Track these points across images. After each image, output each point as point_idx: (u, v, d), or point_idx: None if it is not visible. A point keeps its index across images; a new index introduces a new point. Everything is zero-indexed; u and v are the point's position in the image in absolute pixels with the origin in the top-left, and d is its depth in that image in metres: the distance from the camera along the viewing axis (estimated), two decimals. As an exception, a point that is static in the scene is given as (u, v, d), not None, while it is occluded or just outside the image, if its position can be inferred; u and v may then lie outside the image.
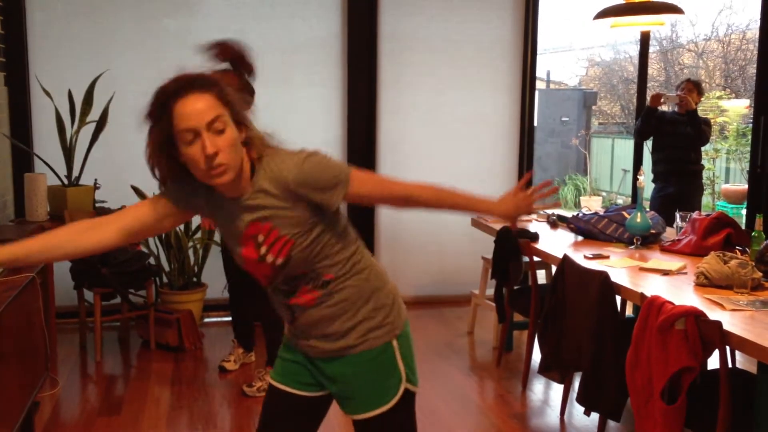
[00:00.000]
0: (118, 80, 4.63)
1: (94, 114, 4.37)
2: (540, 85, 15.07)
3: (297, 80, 5.04)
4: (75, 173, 4.32)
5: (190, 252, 4.77)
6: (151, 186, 4.72)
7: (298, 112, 5.05)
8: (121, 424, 3.35)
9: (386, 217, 5.37)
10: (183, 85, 1.56)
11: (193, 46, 5.29)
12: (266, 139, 1.69)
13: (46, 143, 4.60)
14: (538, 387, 3.86)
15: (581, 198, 12.50)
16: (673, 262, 3.20)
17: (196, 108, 1.54)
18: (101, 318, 4.22)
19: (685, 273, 3.06)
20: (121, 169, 4.78)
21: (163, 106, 1.56)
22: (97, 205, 4.37)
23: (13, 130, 4.59)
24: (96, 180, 4.43)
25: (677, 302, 2.48)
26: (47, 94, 4.30)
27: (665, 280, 2.95)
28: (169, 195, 1.74)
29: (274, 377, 1.89)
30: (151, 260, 4.56)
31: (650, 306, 2.52)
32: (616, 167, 12.74)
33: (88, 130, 4.35)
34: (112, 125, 4.41)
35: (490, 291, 4.36)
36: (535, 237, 3.82)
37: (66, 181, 4.29)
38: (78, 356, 4.28)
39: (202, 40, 5.21)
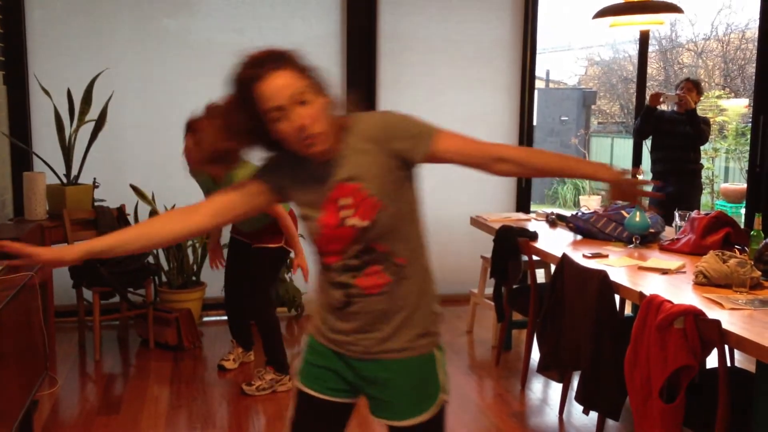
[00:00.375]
0: (117, 79, 4.63)
1: (93, 113, 4.36)
2: (539, 84, 15.07)
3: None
4: (74, 172, 4.32)
5: (189, 251, 4.76)
6: (150, 185, 4.75)
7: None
8: (120, 423, 3.35)
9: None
10: (258, 68, 1.56)
11: (192, 45, 5.30)
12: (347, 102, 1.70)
13: (45, 142, 4.60)
14: (537, 386, 3.86)
15: (580, 197, 12.50)
16: (672, 261, 3.20)
17: (278, 85, 1.55)
18: (100, 317, 4.21)
19: (684, 272, 3.06)
20: (119, 168, 4.78)
21: (244, 93, 1.57)
22: (96, 203, 4.37)
23: (12, 128, 4.59)
24: (95, 179, 4.43)
25: (676, 301, 2.48)
26: (46, 92, 4.29)
27: (664, 279, 2.95)
28: (254, 174, 1.74)
29: (305, 383, 1.81)
30: (150, 259, 4.56)
31: (649, 305, 2.52)
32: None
33: (87, 129, 4.35)
34: (110, 124, 4.41)
35: (489, 290, 4.36)
36: (534, 236, 3.82)
37: (65, 180, 4.29)
38: (77, 355, 4.28)
39: (201, 40, 5.22)
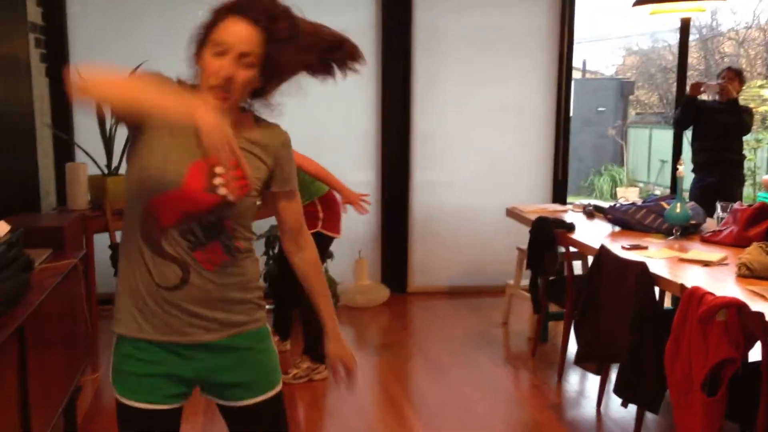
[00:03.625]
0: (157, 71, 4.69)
1: (133, 105, 4.42)
2: (575, 74, 14.88)
3: (331, 71, 5.03)
4: (114, 163, 4.39)
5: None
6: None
7: (331, 103, 5.06)
8: (160, 410, 3.41)
9: (421, 207, 5.36)
10: (246, 7, 1.56)
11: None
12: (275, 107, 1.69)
13: (86, 134, 4.68)
14: (573, 378, 3.84)
15: (617, 189, 12.35)
16: (713, 253, 3.14)
17: (240, 31, 1.54)
18: (140, 305, 4.28)
19: (726, 264, 3.01)
20: (159, 159, 4.85)
21: (218, 13, 1.58)
22: (136, 194, 4.43)
23: (55, 120, 4.68)
24: (135, 170, 4.49)
25: (718, 293, 2.44)
26: (88, 85, 4.36)
27: (706, 271, 2.91)
28: None
29: (132, 397, 1.62)
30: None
31: (691, 297, 2.48)
32: (653, 158, 12.55)
33: (127, 121, 4.41)
34: (150, 115, 4.47)
35: (525, 281, 4.34)
36: (571, 227, 3.79)
37: (106, 171, 4.37)
38: (118, 343, 4.35)
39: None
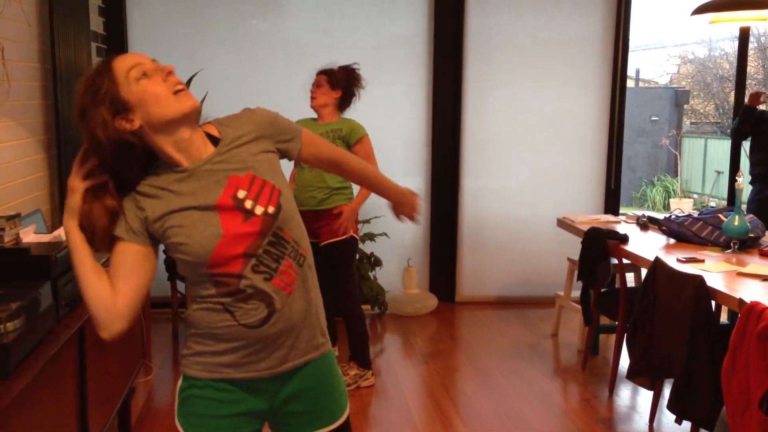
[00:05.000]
0: (211, 79, 4.79)
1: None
2: (629, 83, 14.65)
3: (382, 79, 5.06)
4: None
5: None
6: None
7: (382, 110, 5.09)
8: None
9: (470, 216, 5.34)
10: (107, 62, 1.49)
11: (282, 45, 5.43)
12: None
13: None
14: (625, 392, 3.76)
15: (671, 200, 12.08)
16: (773, 268, 3.06)
17: (135, 56, 1.51)
18: (192, 309, 4.35)
19: (787, 279, 2.92)
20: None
21: (100, 75, 1.46)
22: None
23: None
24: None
25: (779, 309, 2.37)
26: (145, 93, 4.48)
27: (765, 286, 2.83)
28: (127, 228, 1.50)
29: None
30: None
31: (750, 312, 2.42)
32: (708, 168, 12.25)
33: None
34: (205, 123, 4.57)
35: (575, 293, 4.28)
36: (624, 238, 3.73)
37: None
38: (170, 345, 4.45)
39: (290, 40, 5.35)
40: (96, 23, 4.50)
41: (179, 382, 1.61)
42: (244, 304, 1.50)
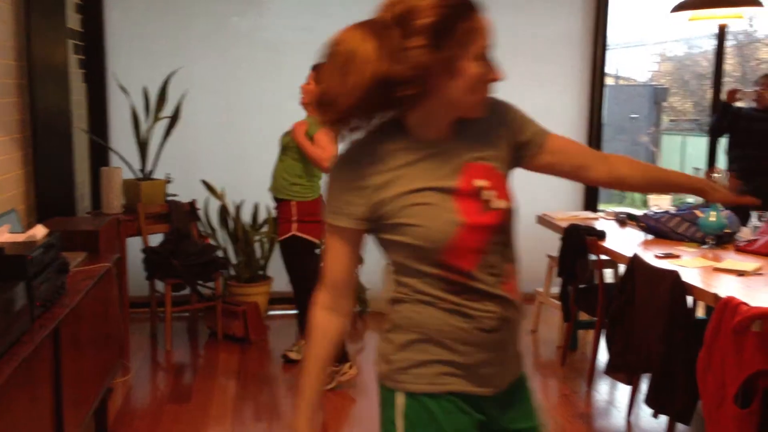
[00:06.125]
0: (191, 78, 4.75)
1: (168, 110, 4.50)
2: (608, 81, 14.75)
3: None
4: (148, 167, 4.46)
5: (257, 246, 4.86)
6: (220, 181, 4.86)
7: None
8: (190, 412, 3.44)
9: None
10: (469, 7, 1.36)
11: (263, 43, 5.40)
12: None
13: (121, 138, 4.75)
14: (603, 387, 3.79)
15: (649, 196, 12.19)
16: (748, 263, 3.09)
17: (489, 27, 1.36)
18: (171, 308, 4.33)
19: (762, 274, 2.96)
20: (192, 163, 4.91)
21: (448, 24, 1.31)
22: (168, 198, 4.50)
23: (91, 125, 4.76)
24: (168, 174, 4.56)
25: (753, 304, 2.40)
26: (124, 90, 4.45)
27: (740, 281, 2.86)
28: (350, 206, 1.39)
29: None
30: (220, 253, 4.67)
31: (725, 307, 2.45)
32: (686, 165, 12.38)
33: (161, 126, 4.49)
34: (184, 121, 4.54)
35: (554, 289, 4.30)
36: (602, 235, 3.75)
37: (140, 175, 4.43)
38: (149, 345, 4.41)
39: (271, 38, 5.32)
40: (73, 20, 4.46)
41: (398, 403, 1.41)
42: (479, 305, 1.37)
